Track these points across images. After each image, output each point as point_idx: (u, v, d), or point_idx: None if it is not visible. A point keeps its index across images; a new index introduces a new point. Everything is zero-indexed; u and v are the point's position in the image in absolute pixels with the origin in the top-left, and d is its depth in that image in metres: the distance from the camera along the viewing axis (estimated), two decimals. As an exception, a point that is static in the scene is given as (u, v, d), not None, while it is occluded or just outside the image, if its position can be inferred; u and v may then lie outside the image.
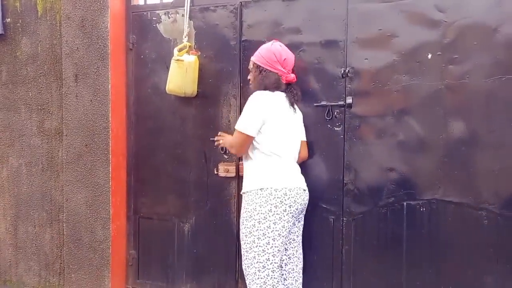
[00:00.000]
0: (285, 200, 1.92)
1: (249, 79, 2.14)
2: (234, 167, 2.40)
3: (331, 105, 2.20)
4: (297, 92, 2.11)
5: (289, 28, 2.29)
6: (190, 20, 2.49)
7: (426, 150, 2.05)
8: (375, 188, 2.15)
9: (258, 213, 1.90)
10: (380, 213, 2.14)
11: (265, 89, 2.02)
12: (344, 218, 2.21)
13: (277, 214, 1.90)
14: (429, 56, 2.03)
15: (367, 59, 2.13)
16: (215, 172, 2.47)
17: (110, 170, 2.65)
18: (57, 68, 2.83)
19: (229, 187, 2.46)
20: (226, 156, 2.45)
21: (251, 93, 2.04)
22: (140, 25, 2.66)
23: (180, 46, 2.42)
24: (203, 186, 2.53)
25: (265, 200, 1.90)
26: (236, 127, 2.00)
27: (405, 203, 2.10)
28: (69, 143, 2.74)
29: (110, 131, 2.63)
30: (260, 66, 2.04)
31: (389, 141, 2.11)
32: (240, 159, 2.41)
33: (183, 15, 2.49)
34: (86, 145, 2.70)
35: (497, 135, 1.93)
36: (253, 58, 2.09)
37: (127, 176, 2.76)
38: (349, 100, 2.16)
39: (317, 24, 2.23)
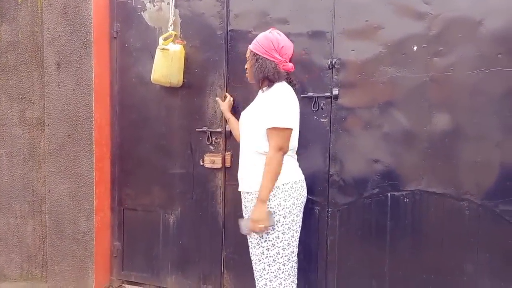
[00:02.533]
0: (302, 191, 1.95)
1: (246, 68, 2.02)
2: (220, 158, 2.39)
3: (318, 96, 2.20)
4: (295, 82, 2.05)
5: (276, 18, 2.27)
6: (175, 8, 2.45)
7: (410, 142, 2.07)
8: (360, 179, 2.16)
9: (283, 208, 1.86)
10: (364, 204, 2.16)
11: (264, 78, 1.92)
12: (329, 209, 2.23)
13: (298, 206, 1.91)
14: (415, 48, 2.04)
15: (353, 50, 2.13)
16: (201, 163, 2.46)
17: (94, 161, 2.61)
18: (39, 56, 2.76)
19: (215, 178, 2.45)
20: (212, 147, 2.44)
21: (245, 83, 1.98)
22: (124, 13, 2.61)
23: (165, 35, 2.39)
24: (188, 177, 2.51)
25: (288, 194, 1.88)
26: (273, 125, 1.80)
27: (389, 194, 2.12)
28: (51, 133, 2.69)
29: (93, 121, 2.58)
30: (256, 54, 1.93)
31: (374, 133, 2.13)
32: (226, 149, 2.40)
33: (168, 4, 2.45)
34: (69, 135, 2.65)
35: (480, 127, 1.96)
36: (250, 47, 1.97)
37: (111, 167, 2.72)
38: (335, 91, 2.16)
39: (304, 15, 2.22)
